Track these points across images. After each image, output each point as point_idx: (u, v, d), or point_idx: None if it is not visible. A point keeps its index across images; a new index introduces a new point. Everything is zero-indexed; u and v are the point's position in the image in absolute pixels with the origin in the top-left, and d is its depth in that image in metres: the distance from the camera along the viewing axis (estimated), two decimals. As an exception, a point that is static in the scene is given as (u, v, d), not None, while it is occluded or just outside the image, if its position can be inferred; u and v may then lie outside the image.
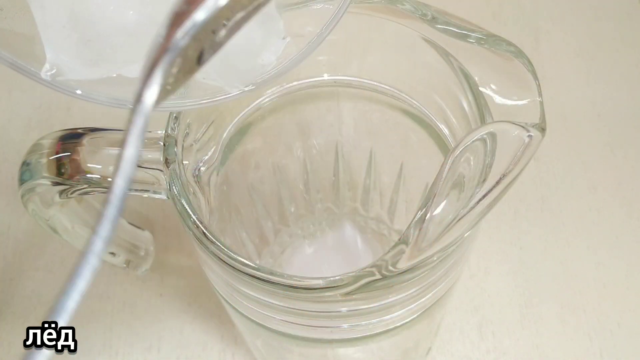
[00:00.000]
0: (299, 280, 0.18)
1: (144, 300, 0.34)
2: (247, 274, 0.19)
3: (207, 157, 0.24)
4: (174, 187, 0.21)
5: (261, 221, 0.32)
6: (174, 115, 0.22)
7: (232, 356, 0.33)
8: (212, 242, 0.19)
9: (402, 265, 0.18)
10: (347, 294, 0.18)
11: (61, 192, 0.23)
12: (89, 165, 0.22)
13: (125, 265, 0.30)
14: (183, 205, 0.20)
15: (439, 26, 0.21)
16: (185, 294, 0.34)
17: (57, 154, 0.22)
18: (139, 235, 0.31)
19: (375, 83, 0.25)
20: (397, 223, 0.33)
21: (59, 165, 0.22)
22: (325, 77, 0.26)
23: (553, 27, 0.43)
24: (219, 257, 0.19)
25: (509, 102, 0.20)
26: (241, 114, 0.25)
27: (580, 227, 0.36)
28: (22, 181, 0.23)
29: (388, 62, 0.25)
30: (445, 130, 0.24)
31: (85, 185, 0.23)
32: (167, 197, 0.22)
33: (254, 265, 0.19)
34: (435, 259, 0.18)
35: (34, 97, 0.41)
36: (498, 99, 0.20)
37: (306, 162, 0.31)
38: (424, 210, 0.18)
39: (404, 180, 0.30)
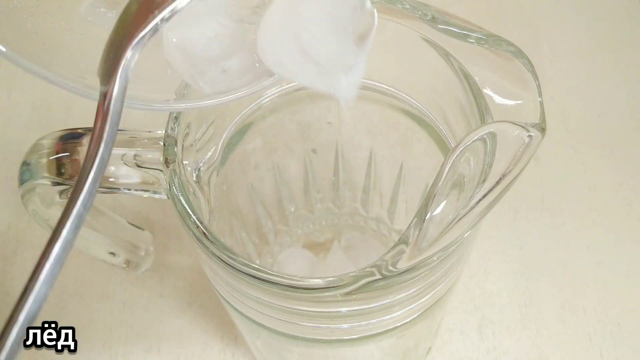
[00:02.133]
0: (299, 280, 0.18)
1: (144, 300, 0.34)
2: (247, 274, 0.19)
3: (207, 157, 0.24)
4: (174, 187, 0.21)
5: (261, 221, 0.32)
6: (174, 115, 0.22)
7: (232, 356, 0.33)
8: (212, 242, 0.19)
9: (402, 265, 0.18)
10: (347, 294, 0.18)
11: (61, 192, 0.23)
12: None
13: (125, 266, 0.30)
14: (183, 205, 0.20)
15: (439, 26, 0.21)
16: (185, 293, 0.34)
17: (57, 154, 0.22)
18: (139, 235, 0.31)
19: (375, 83, 0.25)
20: (397, 223, 0.33)
21: (59, 165, 0.22)
22: None
23: (553, 27, 0.43)
24: (219, 257, 0.19)
25: (509, 102, 0.20)
26: (241, 114, 0.25)
27: (580, 227, 0.36)
28: (22, 181, 0.23)
29: (388, 62, 0.25)
30: (445, 130, 0.24)
31: None
32: (167, 197, 0.22)
33: (254, 265, 0.19)
34: (435, 259, 0.18)
35: (34, 97, 0.41)
36: (498, 99, 0.20)
37: (306, 162, 0.31)
38: (424, 210, 0.18)
39: (404, 180, 0.30)
